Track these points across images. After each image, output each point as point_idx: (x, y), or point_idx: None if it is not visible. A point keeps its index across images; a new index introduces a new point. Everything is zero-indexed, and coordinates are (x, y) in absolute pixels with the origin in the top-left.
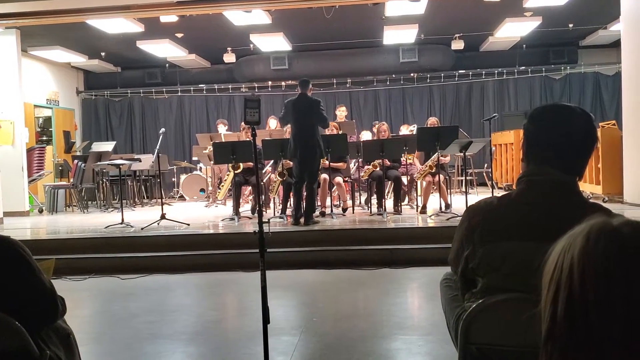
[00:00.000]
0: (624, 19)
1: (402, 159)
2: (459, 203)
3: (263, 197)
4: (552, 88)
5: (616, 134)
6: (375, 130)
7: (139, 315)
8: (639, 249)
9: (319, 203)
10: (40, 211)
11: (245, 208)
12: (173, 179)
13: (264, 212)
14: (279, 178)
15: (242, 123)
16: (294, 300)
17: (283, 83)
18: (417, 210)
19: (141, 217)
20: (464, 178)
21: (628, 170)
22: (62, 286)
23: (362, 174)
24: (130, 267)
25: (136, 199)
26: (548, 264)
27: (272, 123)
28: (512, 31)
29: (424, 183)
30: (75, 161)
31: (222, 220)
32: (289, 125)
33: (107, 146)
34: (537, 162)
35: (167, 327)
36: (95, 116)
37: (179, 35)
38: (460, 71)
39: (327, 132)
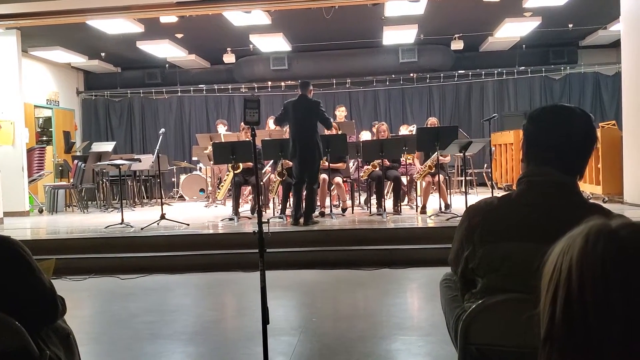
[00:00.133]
0: (623, 19)
1: (401, 159)
2: (459, 203)
3: (262, 197)
4: (551, 88)
5: (616, 134)
6: (374, 130)
7: (139, 316)
8: (637, 250)
9: (319, 203)
10: (40, 211)
11: (245, 208)
12: (173, 179)
13: (263, 212)
14: (278, 178)
15: (242, 123)
16: (294, 301)
17: (283, 83)
18: (416, 211)
19: (141, 217)
20: (463, 178)
21: (628, 170)
22: (62, 286)
23: (361, 174)
24: (130, 267)
25: (136, 199)
26: (547, 265)
27: (272, 123)
28: (511, 31)
29: (424, 183)
30: (75, 161)
31: (222, 220)
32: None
33: (107, 146)
34: (537, 162)
35: (166, 327)
36: (95, 116)
37: (179, 35)
38: (459, 71)
39: (327, 132)
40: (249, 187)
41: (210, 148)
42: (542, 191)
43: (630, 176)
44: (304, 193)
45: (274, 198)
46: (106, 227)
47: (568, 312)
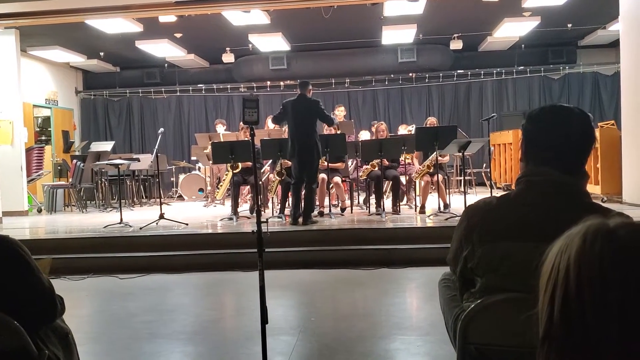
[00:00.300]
0: (622, 19)
1: (400, 158)
2: (458, 203)
3: (261, 196)
4: (550, 88)
5: (615, 134)
6: (373, 130)
7: (138, 315)
8: (635, 250)
9: (318, 203)
10: (39, 211)
11: (244, 208)
12: (172, 179)
13: (262, 212)
14: (277, 178)
15: (241, 123)
16: (293, 300)
17: (282, 83)
18: (415, 210)
19: (140, 217)
20: (462, 178)
21: (627, 170)
22: (61, 286)
23: (360, 173)
24: (129, 267)
25: (135, 199)
26: (545, 265)
27: (271, 123)
28: (510, 31)
29: (422, 183)
30: (74, 161)
31: (221, 220)
32: (287, 125)
33: (106, 146)
34: (536, 162)
35: (165, 326)
36: (94, 116)
37: (178, 35)
38: (458, 71)
39: (326, 131)
40: (248, 187)
41: (209, 148)
42: (541, 191)
43: (629, 176)
44: (303, 192)
45: (272, 198)
46: (105, 227)
47: (566, 311)
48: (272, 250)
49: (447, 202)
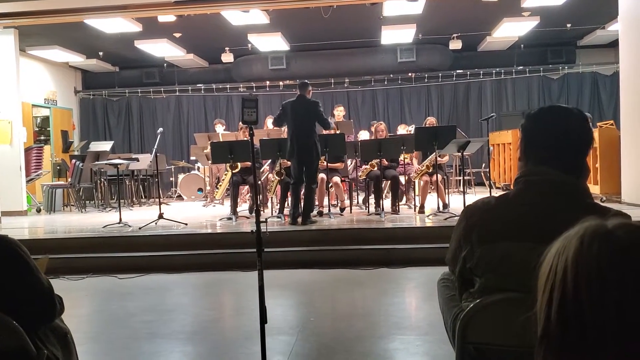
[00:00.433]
0: (621, 19)
1: (399, 158)
2: (457, 203)
3: (261, 196)
4: (550, 88)
5: (614, 133)
6: (373, 130)
7: (137, 315)
8: (632, 251)
9: (317, 203)
10: (38, 211)
11: (243, 207)
12: (171, 179)
13: (261, 212)
14: (276, 177)
15: (240, 123)
16: (292, 300)
17: (281, 83)
18: (414, 210)
19: (139, 217)
20: (461, 178)
21: (626, 170)
22: (60, 285)
23: (359, 173)
24: (128, 267)
25: (134, 199)
26: (543, 266)
27: (270, 123)
28: (510, 31)
29: (421, 183)
30: (73, 161)
31: (220, 219)
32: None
33: (105, 146)
34: (534, 162)
35: (164, 326)
36: (93, 116)
37: (177, 35)
38: (458, 71)
39: (325, 132)
40: (247, 187)
41: (208, 147)
42: (540, 190)
43: (628, 176)
44: (302, 192)
45: (272, 197)
46: (104, 227)
47: (564, 312)
48: (271, 250)
49: (446, 202)
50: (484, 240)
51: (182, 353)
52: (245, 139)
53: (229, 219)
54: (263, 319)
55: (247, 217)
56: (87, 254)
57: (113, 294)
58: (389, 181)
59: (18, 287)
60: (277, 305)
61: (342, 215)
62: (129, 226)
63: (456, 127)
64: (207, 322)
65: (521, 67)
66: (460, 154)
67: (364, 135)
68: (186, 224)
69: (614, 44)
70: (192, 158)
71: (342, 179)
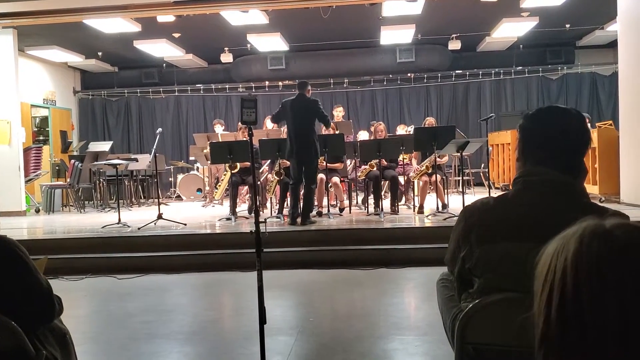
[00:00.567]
0: (620, 19)
1: (399, 159)
2: (456, 203)
3: (260, 197)
4: (549, 88)
5: (613, 134)
6: (372, 130)
7: (136, 315)
8: (632, 250)
9: (316, 203)
10: (37, 211)
11: (242, 208)
12: (170, 179)
13: (260, 212)
14: (276, 178)
15: (239, 123)
16: (291, 300)
17: (280, 83)
18: (414, 210)
19: (138, 217)
20: (461, 178)
21: (625, 170)
22: (59, 286)
23: (359, 173)
24: (127, 267)
25: (133, 199)
26: (540, 267)
27: (269, 123)
28: (509, 31)
29: (420, 183)
30: (72, 161)
31: (219, 220)
32: (285, 125)
33: (104, 146)
34: (532, 162)
35: (163, 327)
36: (92, 116)
37: (176, 35)
38: (457, 71)
39: (324, 131)
40: (247, 187)
41: (207, 148)
42: (539, 190)
43: (627, 176)
44: (302, 193)
45: (271, 198)
46: (103, 227)
47: (563, 312)
48: (271, 250)
49: (446, 202)
50: (483, 240)
51: (181, 353)
52: (245, 139)
53: (228, 219)
54: (262, 320)
55: (247, 218)
56: (86, 254)
57: (112, 294)
58: (388, 181)
59: (17, 288)
60: (276, 306)
61: (341, 215)
62: (128, 226)
63: (455, 127)
64: (206, 322)
65: (520, 68)
66: (459, 154)
67: (363, 135)
68: (185, 225)
69: (612, 45)
70: (191, 158)
71: (342, 179)
